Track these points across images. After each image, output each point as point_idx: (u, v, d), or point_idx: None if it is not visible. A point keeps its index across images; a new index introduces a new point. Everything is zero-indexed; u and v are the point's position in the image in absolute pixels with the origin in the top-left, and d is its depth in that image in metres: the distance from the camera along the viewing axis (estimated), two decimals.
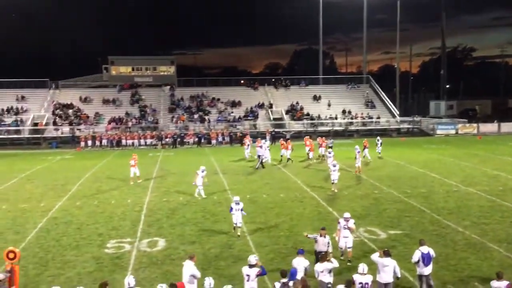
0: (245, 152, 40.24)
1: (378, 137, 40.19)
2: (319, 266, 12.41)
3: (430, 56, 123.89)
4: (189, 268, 12.14)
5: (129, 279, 10.94)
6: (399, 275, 12.54)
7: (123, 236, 18.88)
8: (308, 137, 43.85)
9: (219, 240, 17.91)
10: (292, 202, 23.95)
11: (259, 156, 35.17)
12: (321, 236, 14.53)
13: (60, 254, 16.89)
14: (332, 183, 25.97)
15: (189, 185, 28.74)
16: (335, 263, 12.56)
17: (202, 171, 25.27)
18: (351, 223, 15.61)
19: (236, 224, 18.35)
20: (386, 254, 12.57)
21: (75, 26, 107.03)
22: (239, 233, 18.28)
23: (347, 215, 15.69)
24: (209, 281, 10.91)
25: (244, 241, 17.81)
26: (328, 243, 14.44)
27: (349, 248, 15.46)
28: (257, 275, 11.85)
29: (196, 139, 52.52)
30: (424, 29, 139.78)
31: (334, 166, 25.95)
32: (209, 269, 15.06)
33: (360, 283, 11.51)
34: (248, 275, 11.84)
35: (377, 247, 16.09)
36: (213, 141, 52.31)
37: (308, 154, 38.07)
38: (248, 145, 40.61)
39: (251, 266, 11.93)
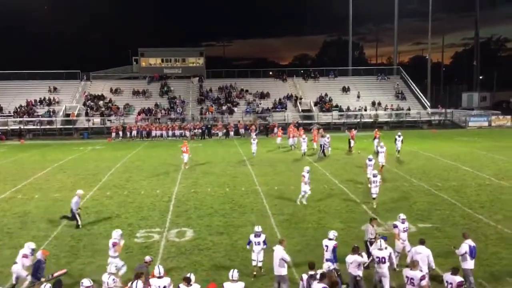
0: (277, 140, 41.54)
1: (399, 133, 34.91)
2: (349, 258, 12.36)
3: (463, 47, 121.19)
4: (279, 253, 12.60)
5: (159, 269, 11.10)
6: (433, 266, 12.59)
7: (152, 226, 19.09)
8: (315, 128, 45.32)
9: (246, 232, 17.89)
10: (320, 194, 23.84)
11: (321, 145, 35.77)
12: (372, 226, 14.65)
13: (91, 243, 17.18)
14: (373, 198, 21.32)
15: (217, 176, 28.93)
16: (364, 258, 12.42)
17: (307, 172, 21.97)
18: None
19: (256, 262, 13.99)
20: (354, 250, 12.40)
21: (106, 18, 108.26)
22: (255, 273, 13.96)
23: (403, 216, 14.75)
24: (232, 273, 10.95)
25: (271, 232, 17.80)
26: (367, 230, 14.64)
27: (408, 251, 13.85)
28: (334, 248, 12.92)
29: (225, 131, 52.70)
30: (457, 19, 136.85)
31: (375, 176, 21.28)
32: (237, 260, 15.14)
33: (378, 257, 12.32)
34: (326, 246, 13.16)
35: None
36: (241, 130, 52.53)
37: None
38: (276, 134, 41.57)
39: (330, 239, 13.22)
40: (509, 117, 60.29)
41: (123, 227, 18.96)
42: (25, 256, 13.43)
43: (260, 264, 13.92)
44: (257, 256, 13.84)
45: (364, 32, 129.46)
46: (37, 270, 12.21)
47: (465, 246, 12.69)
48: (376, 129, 39.64)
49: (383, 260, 12.30)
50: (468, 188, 24.48)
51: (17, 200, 23.60)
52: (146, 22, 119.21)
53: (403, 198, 22.70)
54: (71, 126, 56.48)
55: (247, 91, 65.03)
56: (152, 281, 10.91)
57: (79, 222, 19.04)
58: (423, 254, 12.35)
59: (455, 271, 11.18)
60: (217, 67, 74.88)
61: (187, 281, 10.55)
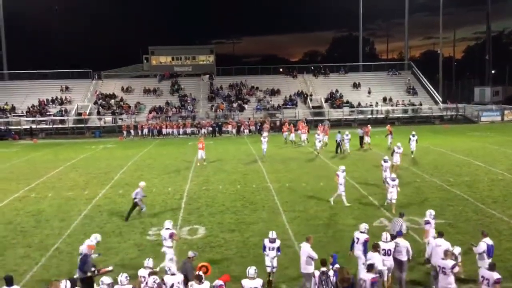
0: (290, 137, 41.62)
1: (414, 132, 33.08)
2: (370, 255, 12.31)
3: (475, 41, 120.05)
4: (305, 250, 12.61)
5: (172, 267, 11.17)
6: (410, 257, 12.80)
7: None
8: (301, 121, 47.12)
9: (258, 229, 17.96)
10: (332, 191, 23.74)
11: (337, 141, 35.92)
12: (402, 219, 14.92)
13: (103, 241, 17.15)
14: (388, 202, 20.15)
15: (229, 173, 28.97)
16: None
17: (343, 171, 21.35)
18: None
19: (270, 269, 13.32)
20: (375, 248, 12.33)
21: (117, 17, 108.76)
22: (270, 278, 13.33)
23: (433, 212, 14.77)
24: (249, 270, 10.92)
25: (283, 229, 17.80)
26: (402, 225, 14.62)
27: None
28: (365, 241, 12.93)
29: (236, 128, 52.65)
30: (468, 12, 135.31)
31: (393, 180, 20.04)
32: (248, 257, 15.16)
33: (383, 249, 12.58)
34: (357, 238, 13.17)
35: (419, 237, 15.83)
36: (251, 127, 52.46)
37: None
38: (288, 131, 42.27)
39: (361, 232, 13.25)
40: None
41: (135, 224, 19.11)
42: (172, 235, 14.21)
43: (274, 270, 13.27)
44: (271, 261, 13.21)
45: (374, 27, 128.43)
46: (84, 264, 12.41)
47: (483, 244, 12.50)
48: (389, 125, 39.46)
49: (389, 252, 12.64)
50: (480, 183, 24.29)
51: (31, 199, 23.80)
52: (156, 20, 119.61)
53: (415, 194, 22.59)
54: (83, 125, 56.79)
55: (257, 88, 64.99)
56: (166, 278, 10.96)
57: (144, 209, 20.38)
58: (442, 247, 12.25)
59: (493, 266, 10.85)
60: (227, 64, 74.97)
61: (199, 279, 10.58)
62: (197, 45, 75.84)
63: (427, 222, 14.43)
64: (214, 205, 21.70)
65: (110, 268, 13.41)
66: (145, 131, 52.56)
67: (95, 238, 13.73)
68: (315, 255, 12.48)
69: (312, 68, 72.03)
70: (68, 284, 10.30)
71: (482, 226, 17.30)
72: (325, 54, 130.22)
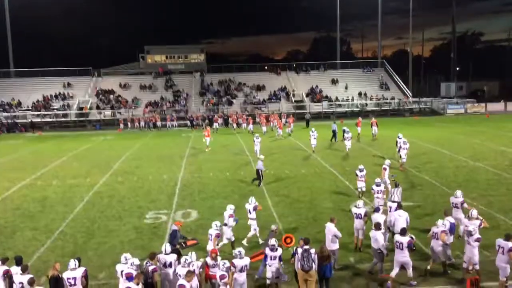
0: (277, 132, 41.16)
1: (400, 134, 27.14)
2: (372, 233, 12.39)
3: (441, 41, 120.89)
4: (331, 229, 12.64)
5: (166, 247, 11.12)
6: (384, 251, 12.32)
7: (160, 208, 19.14)
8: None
9: (246, 212, 17.96)
10: (312, 177, 23.90)
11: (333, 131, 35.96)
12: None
13: (104, 224, 17.23)
14: (359, 191, 19.35)
15: (219, 162, 28.95)
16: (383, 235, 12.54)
17: (388, 165, 19.95)
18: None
19: (270, 281, 11.47)
20: (377, 227, 12.41)
21: (114, 18, 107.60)
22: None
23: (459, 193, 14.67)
24: (238, 249, 10.95)
25: (269, 212, 17.87)
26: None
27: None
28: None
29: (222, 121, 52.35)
30: (435, 15, 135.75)
31: (361, 171, 19.25)
32: (238, 239, 15.16)
33: (355, 213, 13.94)
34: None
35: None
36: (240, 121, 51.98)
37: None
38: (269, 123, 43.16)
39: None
40: (483, 104, 60.27)
41: (133, 209, 19.04)
42: (231, 216, 14.33)
43: (276, 281, 11.51)
44: (272, 274, 11.34)
45: (350, 28, 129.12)
46: (174, 238, 12.95)
47: (447, 222, 12.67)
48: (373, 117, 39.57)
49: (359, 216, 13.85)
50: (446, 169, 24.55)
51: (37, 186, 23.60)
52: (151, 22, 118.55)
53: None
54: (84, 119, 56.31)
55: (244, 84, 64.81)
56: (160, 256, 10.95)
57: (261, 182, 21.99)
58: (374, 237, 12.33)
59: (508, 237, 11.11)
60: (217, 62, 74.74)
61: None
62: (189, 45, 75.00)
63: (456, 205, 14.54)
64: (205, 191, 21.69)
65: (195, 241, 13.78)
66: (142, 123, 52.27)
67: (229, 208, 14.62)
68: (339, 234, 12.65)
69: (294, 66, 71.88)
70: (77, 262, 10.28)
71: (448, 208, 17.51)
72: (306, 53, 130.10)
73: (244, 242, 14.49)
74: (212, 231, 12.99)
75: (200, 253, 12.33)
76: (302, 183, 22.56)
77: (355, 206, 14.17)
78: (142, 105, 59.19)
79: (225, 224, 14.26)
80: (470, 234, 11.74)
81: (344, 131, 35.80)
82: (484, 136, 36.42)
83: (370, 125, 37.16)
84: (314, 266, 10.94)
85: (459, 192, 14.74)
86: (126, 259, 10.55)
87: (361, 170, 19.37)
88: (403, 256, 11.68)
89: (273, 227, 13.01)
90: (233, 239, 14.27)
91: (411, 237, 11.96)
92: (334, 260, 12.46)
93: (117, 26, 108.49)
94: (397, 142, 26.86)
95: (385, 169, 19.70)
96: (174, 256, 10.96)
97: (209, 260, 10.95)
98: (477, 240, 11.68)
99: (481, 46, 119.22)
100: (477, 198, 18.74)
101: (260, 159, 22.84)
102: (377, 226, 12.44)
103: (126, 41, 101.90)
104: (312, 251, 11.02)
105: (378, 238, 12.17)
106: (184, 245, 13.28)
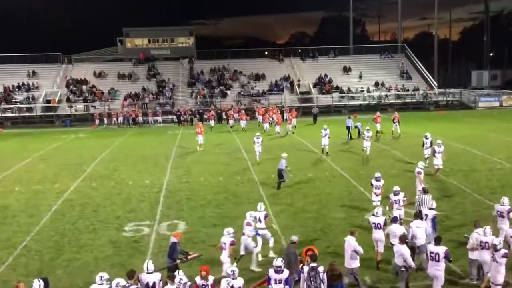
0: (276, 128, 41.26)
1: (439, 141, 24.73)
2: (397, 247, 12.46)
3: (472, 22, 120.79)
4: (351, 244, 12.63)
5: (148, 264, 11.05)
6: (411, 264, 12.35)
7: (142, 218, 19.09)
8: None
9: (242, 223, 17.93)
10: (321, 182, 23.89)
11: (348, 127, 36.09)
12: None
13: (76, 238, 17.18)
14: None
15: (210, 164, 28.94)
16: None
17: (422, 168, 19.80)
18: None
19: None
20: (402, 240, 12.49)
21: None
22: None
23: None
24: (231, 268, 11.00)
25: (269, 223, 17.83)
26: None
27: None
28: (446, 255, 12.03)
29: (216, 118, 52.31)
30: None
31: (378, 180, 18.43)
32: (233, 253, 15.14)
33: (374, 223, 14.03)
34: (426, 215, 14.01)
35: None
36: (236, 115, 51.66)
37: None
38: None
39: (430, 208, 14.50)
40: None
41: (110, 220, 19.01)
42: (248, 224, 14.51)
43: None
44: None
45: (365, 7, 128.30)
46: (173, 252, 12.97)
47: (476, 235, 12.71)
48: (395, 112, 39.62)
49: (379, 226, 13.97)
50: (478, 173, 24.56)
51: None
52: (131, 0, 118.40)
53: (409, 185, 22.72)
54: (52, 113, 56.27)
55: (241, 72, 64.85)
56: (142, 276, 10.92)
57: (287, 180, 22.86)
58: (398, 252, 12.34)
59: None
60: (208, 47, 74.63)
61: (171, 278, 10.57)
62: (175, 26, 75.03)
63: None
64: (195, 199, 21.66)
65: (198, 254, 13.88)
66: (120, 119, 52.26)
67: (249, 215, 14.98)
68: (360, 250, 12.57)
69: (300, 51, 72.01)
70: (42, 283, 10.21)
71: (480, 218, 17.49)
72: (313, 36, 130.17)
73: (259, 256, 14.62)
74: (226, 239, 13.19)
75: (215, 268, 12.38)
76: (309, 190, 22.54)
77: (373, 215, 14.29)
78: (120, 98, 59.15)
79: (243, 234, 14.48)
80: (495, 248, 11.73)
81: (357, 127, 35.88)
82: None
83: (392, 121, 37.21)
84: (323, 287, 10.93)
85: (506, 199, 14.70)
86: (101, 279, 10.50)
87: (377, 179, 18.42)
88: (437, 270, 11.79)
89: (294, 238, 12.87)
90: (256, 250, 14.49)
91: None
92: (356, 280, 12.51)
93: (91, 4, 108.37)
94: (423, 142, 26.21)
95: (419, 173, 19.39)
96: (158, 276, 10.92)
97: (198, 279, 10.93)
98: (504, 256, 11.65)
99: None
100: None
101: (283, 157, 22.91)
102: (402, 239, 12.47)
103: (101, 22, 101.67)
104: (321, 269, 10.99)
105: (405, 253, 12.17)
106: (185, 259, 13.37)
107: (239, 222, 18.00)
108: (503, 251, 11.67)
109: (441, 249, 11.79)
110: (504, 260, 11.61)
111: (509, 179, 23.29)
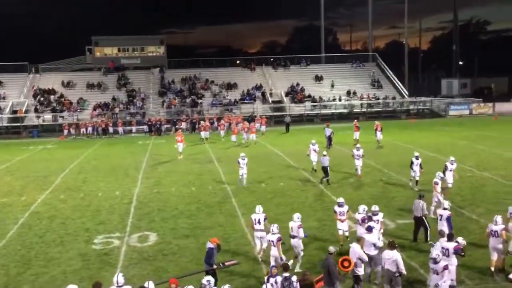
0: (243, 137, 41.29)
1: (417, 153, 24.67)
2: (386, 253, 12.52)
3: (441, 31, 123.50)
4: (356, 251, 12.74)
5: (118, 277, 10.93)
6: (403, 271, 12.39)
7: (112, 230, 18.93)
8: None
9: (215, 234, 17.90)
10: (293, 191, 23.98)
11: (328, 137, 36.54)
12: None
13: (43, 252, 16.92)
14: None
15: (182, 174, 28.85)
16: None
17: (440, 178, 20.04)
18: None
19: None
20: (391, 246, 12.62)
21: (56, 4, 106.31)
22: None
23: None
24: (207, 278, 10.86)
25: (242, 234, 17.86)
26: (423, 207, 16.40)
27: None
28: (456, 250, 12.74)
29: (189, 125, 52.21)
30: (434, 0, 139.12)
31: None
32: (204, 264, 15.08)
33: (440, 215, 15.59)
34: (441, 215, 15.35)
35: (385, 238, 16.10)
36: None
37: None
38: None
39: (445, 209, 15.80)
40: (490, 104, 61.67)
41: (79, 232, 18.79)
42: (300, 226, 14.80)
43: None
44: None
45: (336, 16, 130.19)
46: (210, 257, 13.16)
47: (438, 245, 12.90)
48: (376, 121, 39.97)
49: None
50: (432, 181, 24.80)
51: None
52: (100, 8, 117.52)
53: (381, 193, 23.04)
54: (18, 124, 55.31)
55: (212, 81, 64.84)
56: None
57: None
58: (391, 259, 12.40)
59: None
60: (179, 56, 74.32)
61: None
62: (146, 35, 74.64)
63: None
64: (166, 209, 21.56)
65: (235, 261, 13.83)
66: (89, 129, 51.72)
67: (297, 217, 15.08)
68: (365, 257, 12.75)
69: (272, 60, 72.31)
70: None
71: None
72: (285, 45, 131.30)
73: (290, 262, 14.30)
74: (273, 236, 13.80)
75: (246, 266, 12.15)
76: (281, 199, 22.62)
77: (372, 214, 14.89)
78: (89, 108, 58.55)
79: (293, 237, 14.73)
80: (435, 261, 11.81)
81: (329, 137, 36.14)
82: (492, 141, 37.22)
83: (374, 131, 37.61)
84: None
85: (499, 218, 14.06)
86: None
87: (340, 205, 16.51)
88: (449, 264, 12.18)
89: (332, 249, 12.71)
90: (301, 254, 14.70)
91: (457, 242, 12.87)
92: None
93: (59, 12, 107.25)
94: (412, 162, 23.81)
95: (436, 183, 19.31)
96: None
97: None
98: (445, 268, 11.81)
99: (487, 36, 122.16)
100: (485, 214, 19.01)
101: (324, 154, 25.33)
102: (392, 245, 12.60)
103: (69, 31, 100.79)
104: (294, 279, 11.06)
105: (398, 258, 12.31)
106: (222, 265, 13.37)
107: (211, 233, 18.00)
108: (443, 263, 11.84)
109: (451, 245, 12.61)
110: (446, 272, 11.76)
111: (480, 186, 23.73)
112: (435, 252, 12.05)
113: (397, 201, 21.64)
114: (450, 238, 12.88)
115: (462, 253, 12.83)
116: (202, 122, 48.58)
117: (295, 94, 62.45)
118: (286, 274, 11.12)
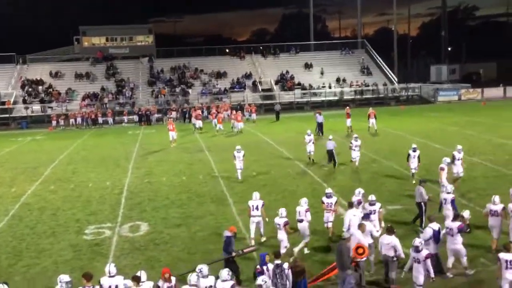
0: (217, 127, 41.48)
1: (414, 145, 23.46)
2: (384, 238, 12.64)
3: (430, 17, 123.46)
4: (358, 238, 12.75)
5: (110, 267, 10.91)
6: (401, 255, 12.50)
7: (103, 221, 18.91)
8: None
9: (206, 223, 17.99)
10: (284, 179, 24.03)
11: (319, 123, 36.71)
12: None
13: (34, 243, 16.89)
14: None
15: (173, 164, 28.81)
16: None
17: (446, 164, 19.83)
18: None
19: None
20: (390, 231, 12.70)
21: None
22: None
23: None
24: (200, 267, 10.63)
25: (233, 222, 17.86)
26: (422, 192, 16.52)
27: None
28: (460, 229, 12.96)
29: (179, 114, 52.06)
30: None
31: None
32: (197, 253, 15.15)
33: (444, 199, 15.82)
34: (445, 199, 15.63)
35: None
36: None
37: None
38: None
39: (448, 193, 15.79)
40: (479, 90, 61.96)
41: (70, 223, 18.76)
42: (307, 210, 14.96)
43: None
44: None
45: (325, 3, 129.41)
46: (228, 245, 13.20)
47: (429, 230, 12.93)
48: (370, 108, 39.79)
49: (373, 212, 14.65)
50: (437, 166, 24.98)
51: None
52: None
53: (371, 180, 23.13)
54: (7, 115, 55.11)
55: (202, 70, 64.65)
56: (103, 280, 10.75)
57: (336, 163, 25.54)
58: (389, 244, 12.49)
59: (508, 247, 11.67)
60: (168, 45, 74.09)
61: (136, 280, 10.43)
62: (134, 24, 74.22)
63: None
64: (157, 199, 21.56)
65: (254, 247, 13.91)
66: (78, 120, 51.47)
67: (304, 202, 15.20)
68: (367, 242, 12.91)
69: (261, 48, 72.15)
70: (6, 286, 10.03)
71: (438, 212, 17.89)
72: (274, 33, 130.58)
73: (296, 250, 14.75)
74: (280, 220, 13.98)
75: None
76: (273, 187, 22.65)
77: (369, 204, 14.83)
78: (78, 98, 58.25)
79: (300, 221, 14.87)
80: (417, 250, 11.79)
81: (320, 124, 36.22)
82: (481, 127, 37.45)
83: (367, 117, 37.61)
84: (289, 284, 11.04)
85: (497, 198, 14.54)
86: (60, 281, 10.35)
87: (328, 196, 16.06)
88: (454, 243, 12.68)
89: (346, 234, 12.70)
90: (308, 239, 14.86)
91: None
92: (359, 275, 12.57)
93: (46, 2, 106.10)
94: (409, 155, 22.88)
95: (442, 169, 19.20)
96: (120, 280, 10.78)
97: (161, 283, 10.79)
98: (428, 256, 11.74)
99: (476, 22, 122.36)
100: (475, 199, 19.19)
101: (329, 138, 26.01)
102: (391, 230, 12.69)
103: (57, 21, 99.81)
104: (285, 266, 11.11)
105: (396, 243, 12.38)
106: (242, 252, 13.32)
107: (202, 222, 18.04)
108: (425, 252, 11.77)
109: (455, 224, 12.88)
110: (428, 261, 11.68)
111: (469, 171, 23.83)
112: (418, 240, 11.94)
113: (387, 186, 21.74)
114: (455, 218, 13.26)
115: (468, 229, 13.14)
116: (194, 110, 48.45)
117: (285, 82, 62.41)
118: (278, 262, 11.16)
